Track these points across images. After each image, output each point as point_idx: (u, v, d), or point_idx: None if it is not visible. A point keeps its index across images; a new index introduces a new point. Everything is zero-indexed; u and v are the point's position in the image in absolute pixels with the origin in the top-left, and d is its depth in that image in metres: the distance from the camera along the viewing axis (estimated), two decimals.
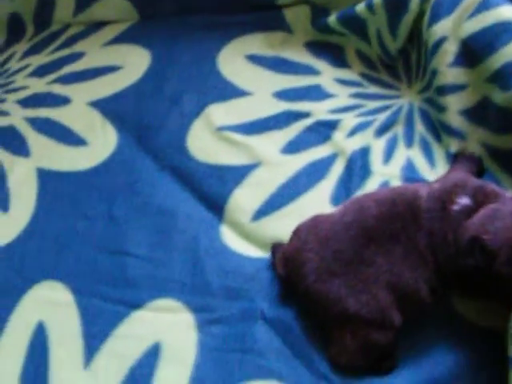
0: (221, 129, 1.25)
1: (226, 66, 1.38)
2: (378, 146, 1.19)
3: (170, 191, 1.18)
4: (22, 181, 1.24)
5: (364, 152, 1.18)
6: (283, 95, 1.31)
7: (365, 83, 1.32)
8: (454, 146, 1.12)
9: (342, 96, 1.29)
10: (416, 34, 1.25)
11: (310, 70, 1.35)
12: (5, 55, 1.54)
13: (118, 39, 1.50)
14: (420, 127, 1.20)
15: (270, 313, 1.00)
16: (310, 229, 0.97)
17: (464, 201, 0.90)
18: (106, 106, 1.35)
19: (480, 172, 1.08)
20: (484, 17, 1.09)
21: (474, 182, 0.95)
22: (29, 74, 1.46)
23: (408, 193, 0.95)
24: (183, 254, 1.09)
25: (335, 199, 1.11)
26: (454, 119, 1.12)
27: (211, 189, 1.16)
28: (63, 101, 1.38)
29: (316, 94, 1.30)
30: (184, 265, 1.07)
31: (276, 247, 1.03)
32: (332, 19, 1.34)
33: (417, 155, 1.17)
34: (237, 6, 1.46)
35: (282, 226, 1.08)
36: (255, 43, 1.42)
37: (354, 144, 1.19)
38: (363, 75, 1.34)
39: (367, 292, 0.89)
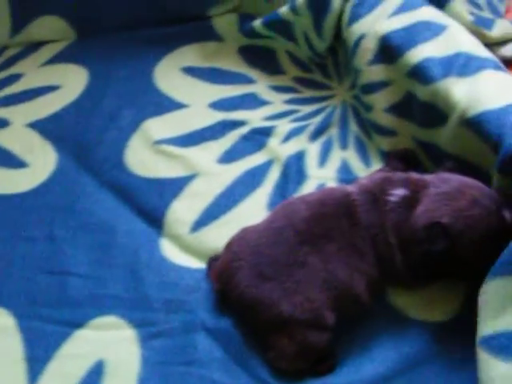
0: (158, 142, 1.25)
1: (163, 79, 1.39)
2: (313, 150, 1.20)
3: (109, 207, 1.17)
4: None
5: (299, 157, 1.19)
6: (219, 105, 1.32)
7: (299, 88, 1.33)
8: (385, 144, 1.14)
9: (277, 103, 1.30)
10: (341, 32, 1.26)
11: (244, 79, 1.37)
12: None
13: (56, 59, 1.50)
14: (354, 127, 1.22)
15: (211, 323, 0.99)
16: (240, 240, 0.98)
17: (400, 191, 0.92)
18: (45, 127, 1.34)
19: (415, 166, 1.09)
20: (405, 16, 1.11)
21: (398, 174, 0.97)
22: None
23: (336, 192, 0.97)
24: (123, 270, 1.08)
25: (272, 205, 1.12)
26: (382, 117, 1.14)
27: (150, 202, 1.17)
28: (2, 123, 1.38)
29: (251, 102, 1.31)
30: (124, 280, 1.07)
31: (211, 262, 1.03)
32: (257, 24, 1.37)
33: (352, 156, 1.18)
34: (170, 19, 1.47)
35: (221, 235, 1.07)
36: (190, 55, 1.43)
37: (289, 149, 1.20)
38: (297, 80, 1.36)
39: (300, 293, 0.90)
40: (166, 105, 1.33)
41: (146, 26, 1.50)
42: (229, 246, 0.99)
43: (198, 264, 1.07)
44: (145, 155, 1.24)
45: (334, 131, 1.23)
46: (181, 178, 1.19)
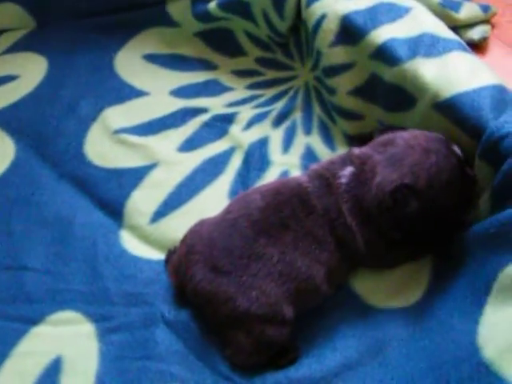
0: (118, 131, 1.22)
1: (123, 67, 1.36)
2: (277, 136, 1.18)
3: (68, 199, 1.14)
4: None
5: (262, 143, 1.16)
6: (180, 93, 1.29)
7: (261, 69, 1.31)
8: (350, 128, 1.11)
9: (239, 88, 1.28)
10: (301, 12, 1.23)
11: (206, 65, 1.34)
12: None
13: (15, 48, 1.46)
14: (318, 110, 1.19)
15: (171, 316, 0.97)
16: (196, 233, 0.95)
17: (347, 171, 0.90)
18: (3, 118, 1.31)
19: None
20: None
21: (341, 155, 0.95)
22: None
23: (291, 180, 0.94)
24: (82, 263, 1.06)
25: (233, 193, 1.09)
26: (346, 101, 1.11)
27: (109, 193, 1.14)
28: None
29: (213, 88, 1.28)
30: (83, 274, 1.04)
31: (169, 255, 1.00)
32: (212, 6, 1.33)
33: (316, 141, 1.16)
34: (128, 5, 1.44)
35: (181, 225, 1.04)
36: (150, 42, 1.40)
37: (252, 136, 1.18)
38: (259, 60, 1.33)
39: (257, 287, 0.86)
40: (126, 93, 1.30)
41: (105, 13, 1.45)
42: (184, 239, 0.97)
43: (158, 255, 1.05)
44: (104, 145, 1.21)
45: (297, 115, 1.20)
46: (141, 168, 1.16)
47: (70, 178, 1.18)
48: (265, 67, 1.31)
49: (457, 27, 1.23)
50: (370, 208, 0.87)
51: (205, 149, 1.18)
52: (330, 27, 1.10)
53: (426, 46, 0.97)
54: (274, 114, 1.21)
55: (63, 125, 1.27)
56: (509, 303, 0.72)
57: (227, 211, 0.93)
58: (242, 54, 1.35)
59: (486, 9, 1.27)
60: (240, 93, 1.27)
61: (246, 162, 1.14)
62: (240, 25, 1.35)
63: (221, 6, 1.32)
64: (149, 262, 1.04)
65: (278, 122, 1.19)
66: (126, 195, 1.13)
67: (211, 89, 1.28)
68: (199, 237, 0.92)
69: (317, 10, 1.14)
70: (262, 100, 1.24)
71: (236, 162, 1.14)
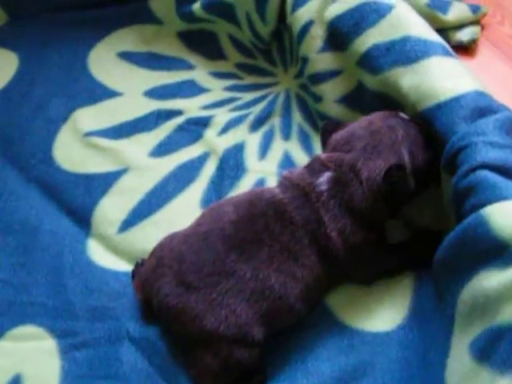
0: (88, 134, 1.17)
1: (97, 65, 1.30)
2: (253, 142, 1.13)
3: (34, 205, 1.09)
4: None
5: (238, 149, 1.12)
6: (155, 93, 1.23)
7: (241, 74, 1.25)
8: None
9: (216, 90, 1.22)
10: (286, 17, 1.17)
11: (183, 65, 1.28)
12: None
13: None
14: (298, 117, 1.15)
15: (136, 332, 0.93)
16: (165, 246, 0.90)
17: (325, 177, 0.86)
18: None
19: None
20: None
21: (308, 163, 0.91)
22: None
23: (265, 191, 0.89)
24: (46, 275, 1.01)
25: (206, 202, 1.05)
26: (332, 108, 1.06)
27: (77, 200, 1.09)
28: None
29: (189, 89, 1.23)
30: (47, 286, 1.00)
31: (137, 268, 0.95)
32: (196, 7, 1.27)
33: (295, 148, 1.11)
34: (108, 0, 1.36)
35: (150, 236, 1.01)
36: (127, 39, 1.34)
37: (227, 141, 1.13)
38: (239, 65, 1.27)
39: (226, 306, 0.82)
40: (98, 93, 1.24)
41: (82, 8, 1.39)
42: (154, 251, 0.92)
43: (126, 267, 1.01)
44: (74, 149, 1.16)
45: (276, 121, 1.15)
46: (110, 173, 1.11)
47: (37, 183, 1.13)
48: (245, 72, 1.26)
49: (445, 29, 1.17)
50: (361, 207, 0.84)
51: (178, 154, 1.13)
52: (319, 33, 1.06)
53: (406, 51, 0.92)
54: (251, 118, 1.15)
55: (32, 126, 1.22)
56: (463, 335, 0.69)
57: (198, 223, 0.89)
58: (222, 58, 1.29)
59: (475, 9, 1.21)
60: (217, 94, 1.21)
61: (221, 168, 1.09)
62: (224, 28, 1.29)
63: (205, 7, 1.26)
64: (116, 273, 1.00)
65: (255, 126, 1.14)
66: (94, 202, 1.08)
67: (187, 90, 1.23)
68: (169, 249, 0.88)
69: (303, 15, 1.08)
70: (239, 103, 1.19)
71: (210, 169, 1.09)
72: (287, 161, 1.08)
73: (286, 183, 0.89)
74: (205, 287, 0.83)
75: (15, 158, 1.17)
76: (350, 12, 1.01)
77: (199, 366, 0.84)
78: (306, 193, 0.86)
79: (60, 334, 0.94)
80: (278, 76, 1.23)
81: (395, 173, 0.83)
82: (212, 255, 0.84)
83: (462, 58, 1.15)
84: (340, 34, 1.02)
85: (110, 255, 1.02)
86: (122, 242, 1.03)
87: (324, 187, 0.85)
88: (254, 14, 1.21)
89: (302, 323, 0.89)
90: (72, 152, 1.16)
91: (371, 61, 0.97)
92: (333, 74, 1.05)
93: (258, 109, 1.17)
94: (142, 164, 1.11)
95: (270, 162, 1.09)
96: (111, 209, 1.06)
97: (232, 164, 1.09)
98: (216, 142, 1.13)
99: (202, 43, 1.31)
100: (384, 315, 0.89)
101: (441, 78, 0.88)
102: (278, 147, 1.10)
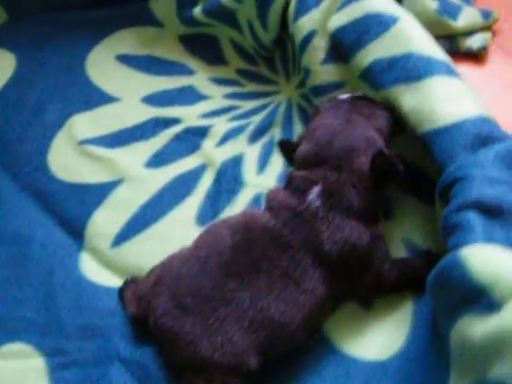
0: (83, 142, 1.14)
1: (95, 68, 1.26)
2: (252, 154, 1.09)
3: (27, 216, 1.07)
4: None
5: (236, 161, 1.08)
6: (153, 100, 1.20)
7: (242, 81, 1.21)
8: None
9: (217, 97, 1.19)
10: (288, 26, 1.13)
11: (183, 70, 1.24)
12: None
13: None
14: (299, 128, 1.10)
15: (127, 353, 0.90)
16: (165, 266, 0.88)
17: (314, 193, 0.83)
18: None
19: None
20: (353, 8, 0.98)
21: (285, 182, 0.89)
22: None
23: (258, 216, 0.86)
24: (37, 289, 0.98)
25: (201, 219, 1.01)
26: None
27: (71, 211, 1.06)
28: None
29: (188, 96, 1.19)
30: (37, 301, 0.97)
31: (127, 284, 0.92)
32: (197, 12, 1.23)
33: None
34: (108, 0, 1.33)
35: (144, 251, 0.99)
36: (127, 41, 1.30)
37: (225, 153, 1.10)
38: (241, 72, 1.23)
39: (223, 333, 0.79)
40: (95, 98, 1.20)
41: (83, 8, 1.35)
42: (154, 269, 0.90)
43: (118, 283, 0.97)
44: (68, 157, 1.12)
45: (276, 132, 1.11)
46: (105, 184, 1.08)
47: (31, 192, 1.10)
48: (246, 79, 1.21)
49: (454, 35, 1.12)
50: (362, 206, 0.82)
51: (174, 165, 1.09)
52: (321, 44, 1.01)
53: (408, 68, 0.88)
54: (250, 128, 1.11)
55: (27, 131, 1.19)
56: (459, 378, 0.66)
57: (196, 246, 0.86)
58: (223, 63, 1.25)
59: (486, 15, 1.16)
60: (216, 102, 1.17)
61: (217, 182, 1.05)
62: (226, 32, 1.25)
63: (205, 11, 1.22)
64: (107, 290, 0.97)
65: (254, 137, 1.10)
66: (88, 214, 1.05)
67: (186, 96, 1.19)
68: (169, 269, 0.85)
69: (305, 24, 1.04)
70: (239, 112, 1.15)
71: (206, 182, 1.06)
72: (286, 175, 1.03)
73: (273, 206, 0.85)
74: (202, 312, 0.80)
75: (10, 164, 1.15)
76: (353, 23, 0.96)
77: None
78: (298, 213, 0.83)
79: (49, 353, 0.92)
80: (279, 84, 1.19)
81: (381, 161, 0.82)
82: (210, 281, 0.81)
83: (471, 66, 1.12)
84: (343, 46, 0.97)
85: (102, 270, 1.00)
86: (115, 256, 1.00)
87: (317, 203, 0.82)
88: (256, 21, 1.16)
89: (297, 348, 0.85)
90: (67, 160, 1.13)
91: (373, 76, 0.92)
92: (336, 86, 1.01)
93: (258, 119, 1.13)
94: (138, 175, 1.08)
95: (268, 176, 1.05)
96: (105, 222, 1.03)
97: (229, 177, 1.05)
98: (214, 153, 1.09)
99: (203, 47, 1.27)
100: (381, 342, 0.86)
101: (442, 101, 0.84)
102: (277, 160, 1.07)
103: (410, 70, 0.88)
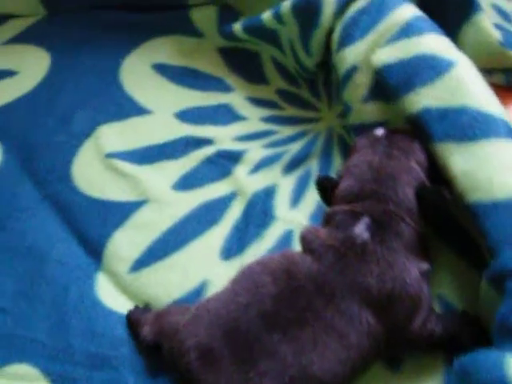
0: (110, 155, 1.09)
1: (129, 76, 1.21)
2: (286, 186, 1.03)
3: (46, 228, 1.03)
4: None
5: (268, 193, 1.02)
6: (186, 116, 1.15)
7: (281, 103, 1.15)
8: None
9: (253, 119, 1.13)
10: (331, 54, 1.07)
11: (221, 86, 1.19)
12: None
13: (19, 38, 1.34)
14: (338, 161, 1.03)
15: None
16: (201, 306, 0.81)
17: (361, 227, 0.78)
18: None
19: None
20: (403, 46, 0.91)
21: (326, 220, 0.85)
22: None
23: (300, 260, 0.79)
24: (49, 308, 0.94)
25: (226, 252, 0.96)
26: None
27: (91, 228, 1.01)
28: None
29: (224, 116, 1.14)
30: (48, 322, 0.93)
31: (139, 311, 0.89)
32: (237, 28, 1.17)
33: None
34: (149, 4, 1.29)
35: (163, 280, 0.95)
36: (164, 49, 1.25)
37: (258, 182, 1.04)
38: (281, 92, 1.17)
39: None
40: (126, 108, 1.16)
41: (122, 9, 1.31)
42: (186, 309, 0.83)
43: None
44: (93, 169, 1.08)
45: (313, 164, 1.05)
46: (128, 204, 1.03)
47: (52, 202, 1.06)
48: (286, 101, 1.15)
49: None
50: (413, 240, 0.79)
51: (202, 190, 1.04)
52: (363, 80, 0.95)
53: (462, 125, 0.81)
54: (286, 157, 1.06)
55: (54, 137, 1.14)
56: None
57: (234, 291, 0.79)
58: (263, 82, 1.19)
59: None
60: (252, 125, 1.12)
61: (246, 213, 0.99)
62: (267, 50, 1.19)
63: (246, 29, 1.16)
64: (122, 318, 0.92)
65: (289, 168, 1.04)
66: (108, 234, 1.01)
67: (221, 116, 1.14)
68: (206, 310, 0.79)
69: (348, 57, 0.97)
70: (275, 138, 1.09)
71: (235, 212, 1.00)
72: (320, 212, 0.97)
73: (314, 248, 0.79)
74: (241, 364, 0.74)
75: (33, 170, 1.11)
76: (402, 63, 0.90)
77: None
78: (344, 254, 0.77)
79: (55, 379, 0.87)
80: (321, 111, 1.13)
81: (426, 191, 0.80)
82: (251, 330, 0.75)
83: None
84: (388, 85, 0.90)
85: (118, 296, 0.95)
86: (132, 282, 0.95)
87: (366, 235, 0.77)
88: (298, 44, 1.10)
89: None
90: (92, 173, 1.08)
91: (420, 126, 0.85)
92: (378, 125, 0.94)
93: (295, 147, 1.07)
94: (163, 197, 1.03)
95: (301, 212, 0.99)
96: (125, 244, 0.99)
97: (259, 210, 0.99)
98: (245, 181, 1.03)
99: (244, 63, 1.22)
100: None
101: (500, 170, 0.76)
102: (312, 196, 1.00)
103: (464, 126, 0.81)
